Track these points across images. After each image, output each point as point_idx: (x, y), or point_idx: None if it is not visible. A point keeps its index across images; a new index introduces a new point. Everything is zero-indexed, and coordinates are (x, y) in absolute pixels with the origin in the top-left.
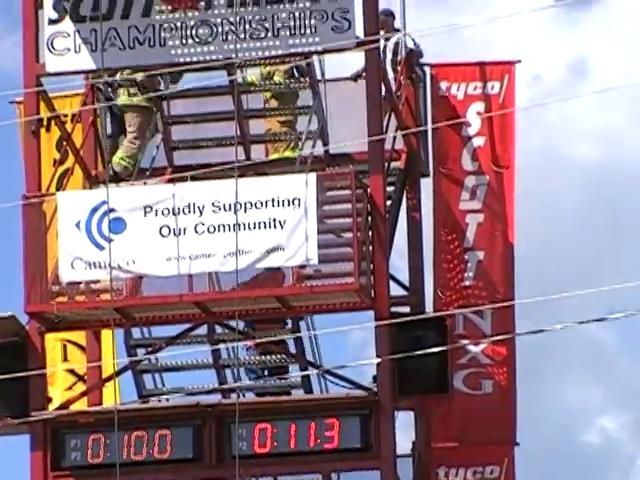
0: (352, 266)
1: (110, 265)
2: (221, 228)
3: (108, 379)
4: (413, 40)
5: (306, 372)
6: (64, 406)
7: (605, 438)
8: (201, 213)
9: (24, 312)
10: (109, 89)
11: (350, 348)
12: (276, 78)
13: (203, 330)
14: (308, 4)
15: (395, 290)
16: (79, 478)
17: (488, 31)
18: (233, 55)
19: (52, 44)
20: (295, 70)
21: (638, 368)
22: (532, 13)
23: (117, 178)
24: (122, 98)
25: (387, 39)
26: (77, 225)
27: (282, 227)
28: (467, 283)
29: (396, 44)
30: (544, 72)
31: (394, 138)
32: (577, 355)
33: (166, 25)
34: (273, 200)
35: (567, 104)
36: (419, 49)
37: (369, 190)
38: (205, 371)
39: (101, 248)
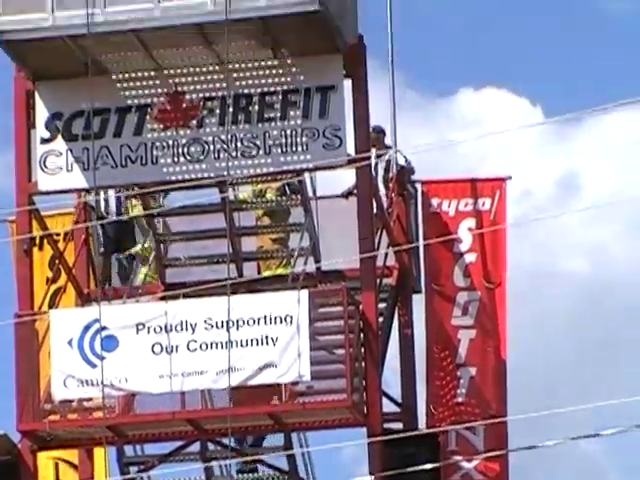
0: (345, 383)
1: (102, 383)
2: (213, 345)
3: None
4: (404, 157)
5: None
6: None
7: None
8: (193, 330)
9: (16, 430)
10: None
11: (343, 465)
12: (268, 195)
13: (196, 447)
14: (299, 122)
15: (388, 406)
16: None
17: (479, 147)
18: (225, 173)
19: (44, 163)
20: (287, 187)
21: None
22: (522, 129)
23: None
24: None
25: (378, 156)
26: (69, 343)
27: (274, 344)
28: (460, 399)
29: (388, 161)
30: (535, 188)
31: (386, 255)
32: (567, 469)
33: (158, 143)
34: (265, 317)
35: (558, 219)
36: (410, 166)
37: (361, 307)
38: None
39: (93, 366)
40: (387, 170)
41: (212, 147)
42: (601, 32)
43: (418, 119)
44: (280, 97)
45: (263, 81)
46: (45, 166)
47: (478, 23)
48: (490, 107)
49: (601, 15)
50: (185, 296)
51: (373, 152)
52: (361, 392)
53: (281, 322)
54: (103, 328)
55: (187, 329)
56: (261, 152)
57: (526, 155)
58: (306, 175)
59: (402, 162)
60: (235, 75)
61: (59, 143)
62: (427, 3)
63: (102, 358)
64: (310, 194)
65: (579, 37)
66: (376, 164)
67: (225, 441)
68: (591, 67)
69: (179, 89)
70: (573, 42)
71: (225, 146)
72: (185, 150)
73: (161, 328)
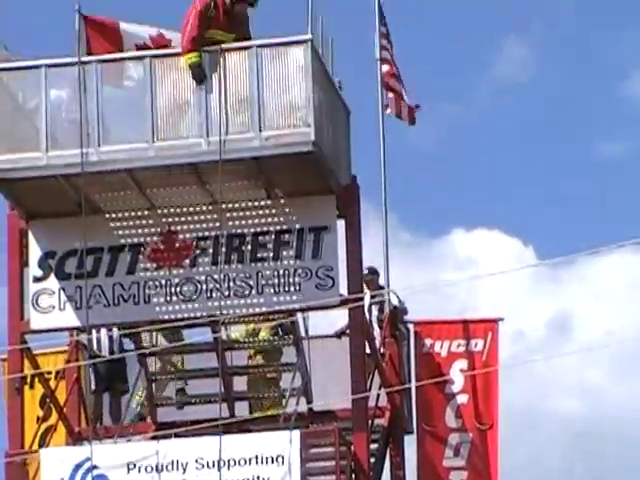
0: None
1: None
2: None
3: None
4: (398, 297)
5: None
6: None
7: None
8: (184, 470)
9: None
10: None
11: None
12: (262, 334)
13: None
14: (292, 262)
15: None
16: None
17: (471, 288)
18: (217, 312)
19: (37, 301)
20: (279, 326)
21: None
22: (514, 270)
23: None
24: None
25: (372, 297)
26: None
27: None
28: None
29: (381, 301)
30: (527, 328)
31: (378, 395)
32: None
33: (151, 283)
34: (257, 457)
35: (550, 360)
36: (403, 306)
37: (353, 447)
38: None
39: None
40: (381, 310)
41: (205, 286)
42: (594, 174)
43: (411, 259)
44: (273, 237)
45: (256, 221)
46: (38, 304)
47: (470, 164)
48: (482, 248)
49: (594, 157)
50: (176, 435)
51: (367, 293)
52: None
53: (273, 462)
54: (94, 467)
55: (178, 469)
56: (254, 292)
57: (519, 296)
58: (299, 315)
59: (395, 302)
60: (228, 215)
61: (52, 282)
62: (417, 149)
63: None
64: (302, 334)
65: (572, 179)
66: (370, 304)
67: None
68: (583, 208)
69: (172, 228)
70: (566, 184)
71: (218, 286)
72: (178, 289)
73: (152, 468)
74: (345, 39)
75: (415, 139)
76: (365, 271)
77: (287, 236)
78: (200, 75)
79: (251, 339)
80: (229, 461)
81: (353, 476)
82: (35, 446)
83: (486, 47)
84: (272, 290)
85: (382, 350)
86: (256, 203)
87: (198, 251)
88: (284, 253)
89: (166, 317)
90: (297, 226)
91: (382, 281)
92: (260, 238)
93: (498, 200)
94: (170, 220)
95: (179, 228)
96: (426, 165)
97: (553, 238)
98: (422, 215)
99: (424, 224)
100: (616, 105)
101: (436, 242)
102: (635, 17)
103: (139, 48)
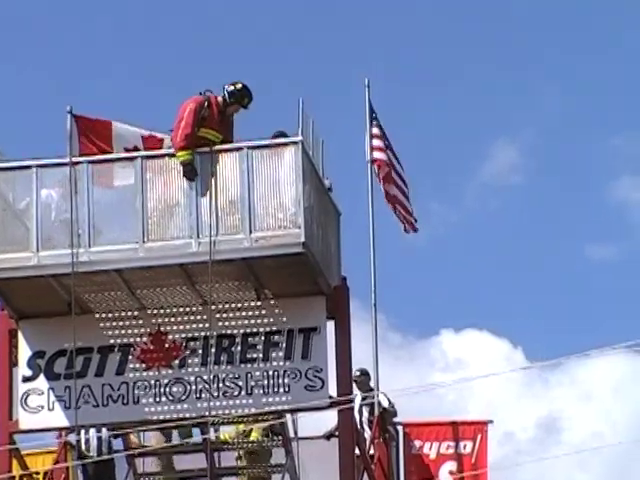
0: None
1: None
2: None
3: None
4: (388, 399)
5: None
6: None
7: None
8: None
9: None
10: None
11: None
12: (253, 435)
13: None
14: (281, 363)
15: None
16: None
17: (462, 389)
18: (206, 413)
19: (26, 401)
20: (269, 427)
21: None
22: (504, 374)
23: None
24: None
25: (363, 399)
26: None
27: None
28: None
29: (372, 402)
30: (516, 429)
31: None
32: None
33: (140, 383)
34: None
35: (539, 462)
36: (393, 409)
37: None
38: None
39: None
40: (372, 412)
41: (194, 387)
42: (582, 277)
43: (400, 360)
44: (263, 338)
45: (246, 322)
46: (26, 404)
47: (459, 265)
48: (472, 348)
49: (583, 261)
50: None
51: (358, 395)
52: None
53: None
54: None
55: None
56: (243, 392)
57: (507, 397)
58: (288, 416)
59: (385, 404)
60: (218, 315)
61: (41, 382)
62: (406, 249)
63: None
64: (292, 435)
65: (563, 284)
66: (361, 406)
67: None
68: (571, 311)
69: (162, 329)
70: (556, 289)
71: (207, 386)
72: (167, 390)
73: None
74: (336, 140)
75: (405, 239)
76: (357, 372)
77: (277, 337)
78: (192, 173)
79: (241, 440)
80: None
81: None
82: None
83: (476, 149)
84: (261, 391)
85: (371, 451)
86: (246, 304)
87: (188, 351)
88: (274, 354)
89: (155, 418)
90: (287, 327)
91: (372, 383)
92: (250, 339)
93: (487, 301)
94: (160, 320)
95: (169, 328)
96: (416, 265)
97: (542, 339)
98: (411, 316)
99: (413, 325)
100: (604, 209)
101: (425, 343)
102: (624, 123)
103: (128, 151)
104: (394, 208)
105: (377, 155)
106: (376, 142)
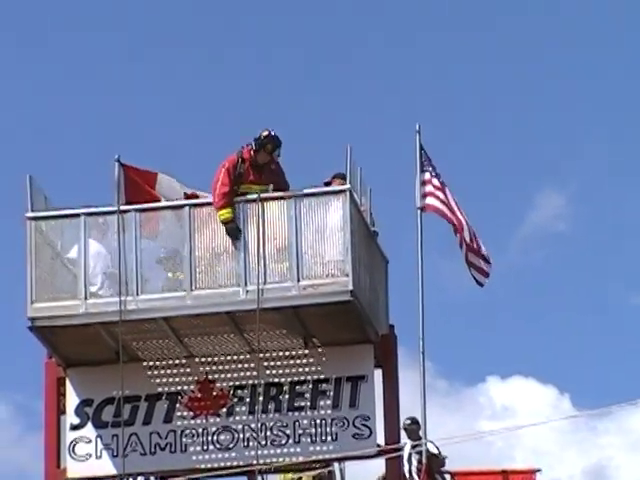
0: None
1: None
2: None
3: None
4: (437, 447)
5: None
6: None
7: None
8: None
9: None
10: None
11: None
12: None
13: None
14: (329, 411)
15: None
16: None
17: (509, 436)
18: (254, 461)
19: (73, 449)
20: (317, 476)
21: None
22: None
23: None
24: None
25: (413, 447)
26: None
27: None
28: None
29: (421, 451)
30: (564, 477)
31: None
32: None
33: (187, 431)
34: None
35: None
36: (442, 456)
37: None
38: None
39: None
40: (421, 461)
41: (242, 435)
42: (630, 325)
43: (447, 407)
44: (310, 386)
45: (294, 370)
46: (74, 452)
47: (505, 312)
48: (518, 395)
49: (629, 308)
50: None
51: (407, 443)
52: None
53: None
54: None
55: None
56: (290, 441)
57: (555, 444)
58: (335, 465)
59: (434, 451)
60: (266, 364)
61: (89, 430)
62: (453, 296)
63: None
64: None
65: (608, 331)
66: (410, 455)
67: None
68: (619, 358)
69: (210, 377)
70: (602, 336)
71: (255, 435)
72: (215, 438)
73: None
74: (386, 186)
75: (451, 287)
76: (407, 421)
77: (324, 385)
78: (234, 231)
79: None
80: None
81: None
82: None
83: (521, 197)
84: (309, 439)
85: None
86: (293, 352)
87: (235, 400)
88: (321, 402)
89: (203, 466)
90: (334, 375)
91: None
92: (297, 387)
93: (533, 348)
94: (207, 369)
95: (216, 376)
96: (462, 312)
97: (589, 386)
98: (458, 363)
99: (460, 372)
100: None
101: (472, 390)
102: None
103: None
104: (466, 259)
105: (430, 201)
106: (428, 188)
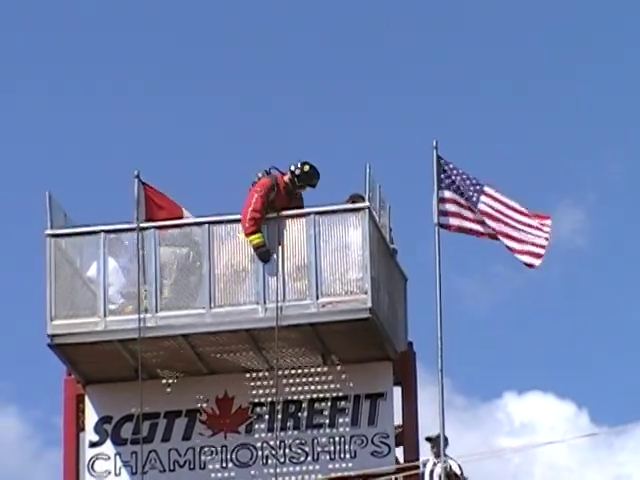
0: None
1: None
2: None
3: None
4: (459, 465)
5: None
6: None
7: None
8: None
9: None
10: None
11: None
12: None
13: None
14: (348, 429)
15: None
16: None
17: (528, 453)
18: (273, 479)
19: (92, 466)
20: None
21: None
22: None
23: None
24: None
25: (435, 464)
26: None
27: None
28: None
29: (444, 468)
30: None
31: None
32: None
33: (206, 448)
34: None
35: None
36: (463, 477)
37: None
38: None
39: None
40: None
41: (261, 452)
42: None
43: (466, 422)
44: (329, 404)
45: (312, 387)
46: (93, 469)
47: (522, 327)
48: (535, 411)
49: None
50: None
51: (430, 460)
52: None
53: None
54: None
55: None
56: (309, 458)
57: (573, 460)
58: None
59: (456, 470)
60: (285, 381)
61: (108, 447)
62: (470, 312)
63: None
64: None
65: (627, 346)
66: (432, 471)
67: None
68: (637, 373)
69: (229, 394)
70: (620, 351)
71: (274, 452)
72: (234, 455)
73: None
74: (404, 203)
75: (469, 302)
76: (434, 433)
77: (343, 403)
78: (266, 255)
79: None
80: None
81: None
82: None
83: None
84: (328, 457)
85: None
86: (312, 369)
87: (254, 417)
88: (340, 420)
89: None
90: (353, 393)
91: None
92: (316, 404)
93: (551, 364)
94: (227, 386)
95: (235, 394)
96: (480, 327)
97: (607, 401)
98: (476, 378)
99: (477, 387)
100: None
101: (490, 405)
102: None
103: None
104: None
105: (452, 222)
106: (449, 207)
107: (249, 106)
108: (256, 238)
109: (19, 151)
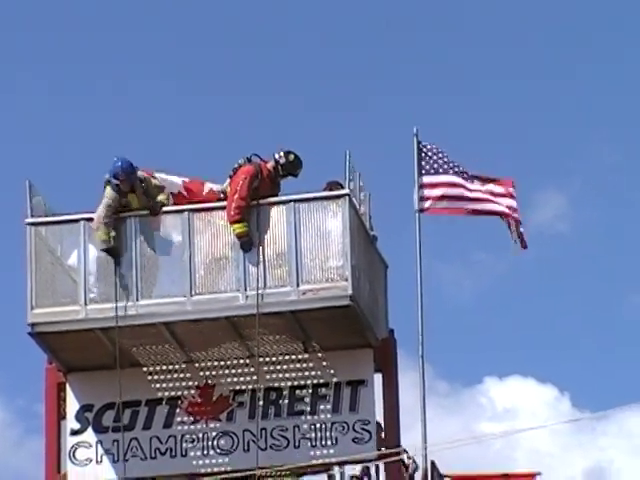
0: None
1: None
2: None
3: None
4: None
5: None
6: None
7: None
8: None
9: None
10: None
11: None
12: None
13: None
14: (329, 416)
15: None
16: None
17: (510, 438)
18: (254, 466)
19: (74, 454)
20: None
21: None
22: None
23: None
24: None
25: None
26: None
27: None
28: None
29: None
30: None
31: None
32: None
33: (187, 436)
34: None
35: None
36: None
37: None
38: None
39: None
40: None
41: (242, 440)
42: (625, 327)
43: (448, 408)
44: (310, 391)
45: (293, 374)
46: (75, 457)
47: (503, 313)
48: (517, 395)
49: (626, 310)
50: None
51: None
52: None
53: None
54: None
55: None
56: (290, 445)
57: (554, 445)
58: (336, 469)
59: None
60: (266, 368)
61: (89, 435)
62: (451, 298)
63: None
64: None
65: (608, 331)
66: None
67: None
68: (618, 358)
69: (210, 382)
70: (601, 336)
71: (255, 439)
72: (215, 443)
73: None
74: (384, 190)
75: (450, 288)
76: None
77: (324, 390)
78: (249, 244)
79: None
80: None
81: None
82: None
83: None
84: (309, 444)
85: None
86: (293, 356)
87: (235, 404)
88: (321, 407)
89: (202, 470)
90: (334, 380)
91: (419, 434)
92: (297, 392)
93: (532, 348)
94: (207, 374)
95: (216, 381)
96: (461, 313)
97: (588, 385)
98: (457, 364)
99: (459, 373)
100: None
101: (471, 390)
102: None
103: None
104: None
105: (429, 205)
106: (428, 192)
107: (249, 106)
108: (240, 227)
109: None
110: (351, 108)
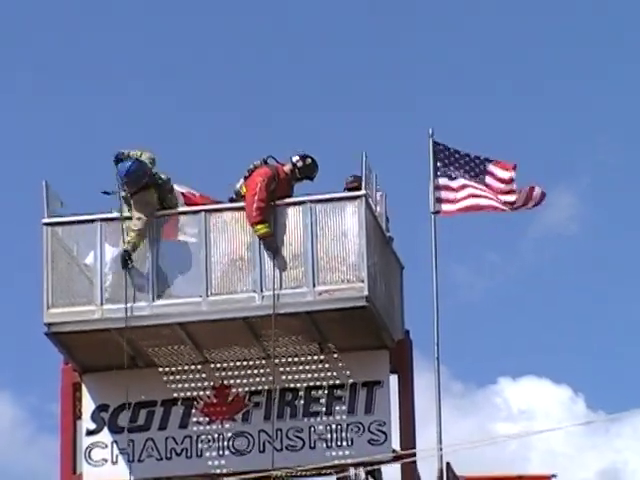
0: None
1: None
2: None
3: None
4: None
5: None
6: None
7: None
8: None
9: None
10: None
11: None
12: None
13: None
14: (345, 417)
15: None
16: None
17: (524, 439)
18: (269, 467)
19: (89, 454)
20: None
21: None
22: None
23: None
24: None
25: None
26: None
27: None
28: None
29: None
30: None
31: None
32: None
33: (203, 436)
34: None
35: None
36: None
37: None
38: None
39: None
40: None
41: (257, 441)
42: None
43: (463, 409)
44: (326, 392)
45: (309, 375)
46: (90, 458)
47: (518, 313)
48: (531, 396)
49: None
50: None
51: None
52: None
53: None
54: None
55: None
56: (306, 446)
57: (569, 446)
58: (351, 470)
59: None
60: (281, 369)
61: (105, 435)
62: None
63: None
64: None
65: (621, 332)
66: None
67: None
68: (632, 359)
69: (225, 382)
70: (615, 337)
71: (270, 440)
72: (230, 443)
73: None
74: (400, 191)
75: (464, 289)
76: None
77: (340, 391)
78: (273, 245)
79: None
80: None
81: None
82: None
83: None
84: (324, 445)
85: None
86: (309, 357)
87: (251, 405)
88: (337, 408)
89: (218, 471)
90: (350, 381)
91: (434, 434)
92: (313, 392)
93: (546, 349)
94: (223, 374)
95: (232, 382)
96: (476, 313)
97: (603, 386)
98: (471, 364)
99: (473, 373)
100: None
101: (486, 391)
102: None
103: (187, 199)
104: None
105: (446, 207)
106: (444, 194)
107: (249, 106)
108: (263, 228)
109: (16, 141)
110: (367, 109)
